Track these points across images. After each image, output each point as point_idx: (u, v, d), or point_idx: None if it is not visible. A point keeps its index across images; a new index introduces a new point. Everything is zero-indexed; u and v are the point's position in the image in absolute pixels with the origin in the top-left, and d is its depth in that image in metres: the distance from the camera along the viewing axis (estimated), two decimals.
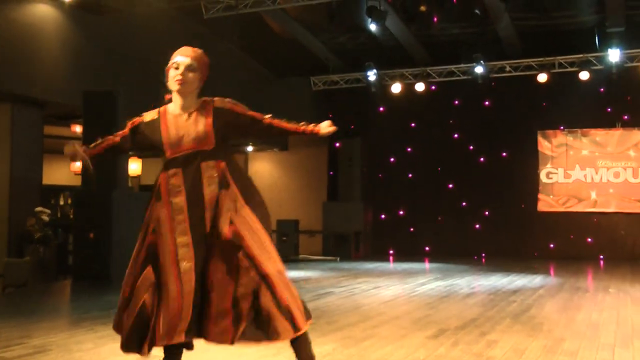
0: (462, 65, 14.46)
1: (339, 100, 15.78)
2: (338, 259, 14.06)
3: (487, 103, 15.19)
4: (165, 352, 3.78)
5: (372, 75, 14.55)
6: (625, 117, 14.61)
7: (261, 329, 3.61)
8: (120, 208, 9.95)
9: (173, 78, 3.81)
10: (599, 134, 14.96)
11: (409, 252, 15.28)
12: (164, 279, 3.68)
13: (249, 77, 15.09)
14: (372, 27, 12.92)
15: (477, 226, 15.38)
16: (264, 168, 17.11)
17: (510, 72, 14.37)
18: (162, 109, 3.92)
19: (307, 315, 3.74)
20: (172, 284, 3.65)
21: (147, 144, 3.97)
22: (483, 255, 15.03)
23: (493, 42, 14.15)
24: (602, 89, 14.38)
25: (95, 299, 7.80)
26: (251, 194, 3.94)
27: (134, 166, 16.27)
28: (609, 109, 14.64)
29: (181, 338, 3.62)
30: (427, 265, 13.17)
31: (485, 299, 7.99)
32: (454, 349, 4.96)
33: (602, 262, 13.98)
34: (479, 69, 14.04)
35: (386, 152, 15.75)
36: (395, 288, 9.00)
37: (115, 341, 4.96)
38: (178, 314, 3.60)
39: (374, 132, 15.70)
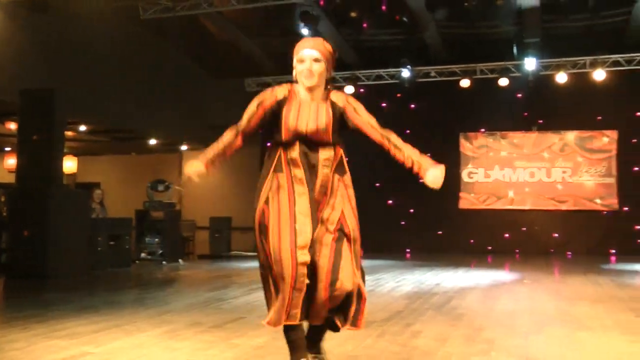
0: (390, 69, 14.61)
1: None
2: None
3: (412, 106, 15.40)
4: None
5: None
6: (540, 121, 15.02)
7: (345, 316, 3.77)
8: (56, 205, 9.70)
9: (301, 73, 3.72)
10: (516, 137, 15.34)
11: None
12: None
13: (185, 77, 14.93)
14: (305, 31, 12.94)
15: (403, 223, 15.58)
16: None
17: (435, 77, 14.59)
18: (291, 87, 3.83)
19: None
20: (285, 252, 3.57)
21: (270, 123, 3.88)
22: (408, 250, 15.24)
23: (420, 49, 14.36)
24: (519, 95, 14.75)
25: (29, 297, 7.60)
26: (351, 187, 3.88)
27: (70, 164, 15.92)
28: (526, 114, 15.03)
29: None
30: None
31: (409, 292, 8.10)
32: (380, 339, 5.03)
33: (518, 256, 14.33)
34: (405, 74, 14.21)
35: None
36: None
37: (50, 339, 4.89)
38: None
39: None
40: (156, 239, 12.38)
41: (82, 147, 16.52)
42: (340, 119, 3.76)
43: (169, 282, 9.56)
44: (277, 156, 3.81)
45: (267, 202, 3.72)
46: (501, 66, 14.38)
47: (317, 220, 3.67)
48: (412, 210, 15.46)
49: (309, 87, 3.72)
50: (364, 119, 3.80)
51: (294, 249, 3.54)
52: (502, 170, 15.33)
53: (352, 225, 3.80)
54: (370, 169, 15.45)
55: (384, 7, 13.18)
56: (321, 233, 3.65)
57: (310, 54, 3.70)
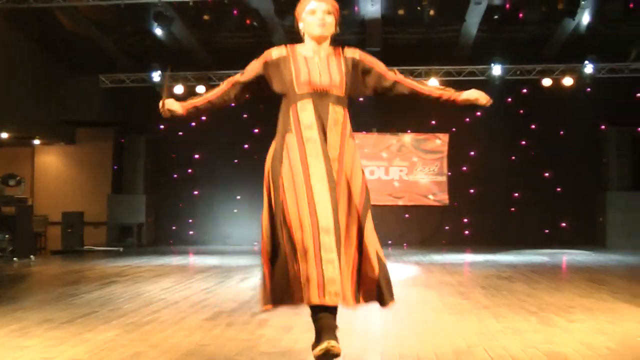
0: (240, 70, 14.60)
1: (126, 99, 15.38)
2: (121, 249, 13.73)
3: (261, 107, 15.49)
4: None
5: (156, 76, 14.33)
6: (380, 124, 15.55)
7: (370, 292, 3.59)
8: None
9: (313, 23, 3.59)
10: (358, 137, 15.77)
11: (190, 242, 15.28)
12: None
13: (39, 70, 14.22)
14: (158, 31, 12.76)
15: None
16: (50, 161, 16.26)
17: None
18: (290, 46, 3.69)
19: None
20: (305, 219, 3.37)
21: (269, 85, 3.72)
22: (255, 243, 15.36)
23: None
24: (361, 99, 15.19)
25: None
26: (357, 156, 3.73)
27: None
28: (367, 116, 15.51)
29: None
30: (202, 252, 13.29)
31: (257, 282, 8.22)
32: (229, 329, 5.10)
33: None
34: None
35: (169, 148, 15.59)
36: (175, 275, 9.01)
37: None
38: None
39: (158, 130, 15.49)
40: (6, 235, 11.75)
41: None
42: (354, 73, 3.70)
43: (19, 279, 9.13)
44: (288, 116, 3.64)
45: (276, 164, 3.58)
46: None
47: (335, 189, 3.50)
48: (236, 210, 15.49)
49: (318, 38, 3.64)
50: (382, 67, 3.80)
51: (316, 222, 3.36)
52: None
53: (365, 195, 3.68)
54: (221, 165, 15.46)
55: (235, 12, 13.25)
56: (343, 204, 3.55)
57: (321, 6, 3.62)
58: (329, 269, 3.31)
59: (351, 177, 3.62)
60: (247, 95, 3.92)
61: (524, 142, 15.23)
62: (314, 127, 3.54)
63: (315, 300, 3.32)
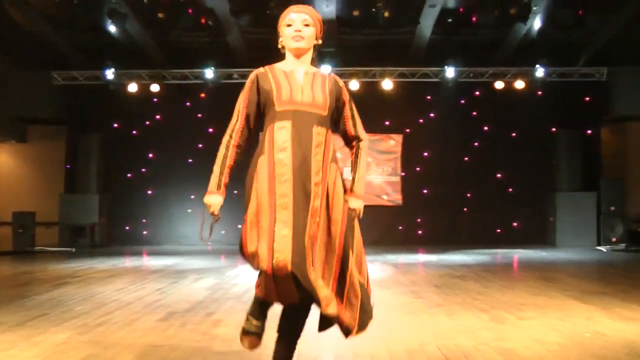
0: (195, 70, 14.51)
1: (79, 96, 15.12)
2: (74, 250, 13.49)
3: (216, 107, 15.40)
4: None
5: (110, 74, 14.12)
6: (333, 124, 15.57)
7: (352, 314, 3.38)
8: None
9: (289, 36, 3.42)
10: None
11: (145, 242, 15.11)
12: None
13: None
14: (112, 28, 12.59)
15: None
16: (1, 160, 15.91)
17: (237, 78, 14.66)
18: (268, 66, 3.50)
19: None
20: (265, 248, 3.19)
21: (258, 107, 3.45)
22: (209, 243, 15.25)
23: (224, 51, 14.41)
24: None
25: None
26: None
27: None
28: None
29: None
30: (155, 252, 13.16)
31: (211, 282, 8.17)
32: (182, 329, 5.07)
33: None
34: (209, 74, 14.19)
35: (123, 147, 15.37)
36: (128, 276, 8.89)
37: None
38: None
39: (112, 129, 15.27)
40: None
41: None
42: (335, 97, 3.50)
43: None
44: (264, 135, 3.41)
45: (248, 184, 3.39)
46: None
47: (304, 217, 3.26)
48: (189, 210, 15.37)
49: (295, 52, 3.46)
50: (350, 112, 3.61)
51: (271, 259, 3.18)
52: None
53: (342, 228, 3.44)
54: (175, 165, 15.32)
55: (190, 10, 13.14)
56: (322, 231, 3.36)
57: (299, 17, 3.44)
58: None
59: (332, 204, 3.42)
60: (252, 129, 3.55)
61: (476, 144, 15.41)
62: (288, 149, 3.31)
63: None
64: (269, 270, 3.18)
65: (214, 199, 3.48)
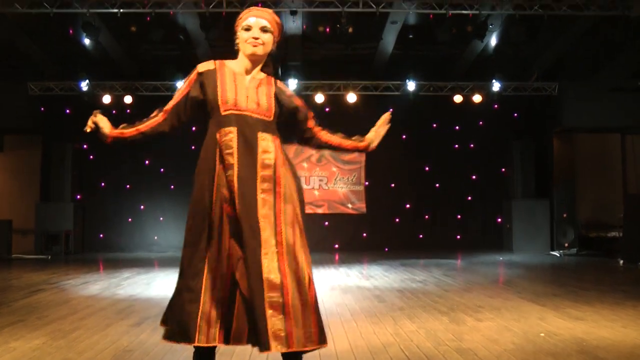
0: (166, 82, 14.43)
1: (54, 106, 14.95)
2: (49, 257, 13.29)
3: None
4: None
5: (84, 85, 13.98)
6: None
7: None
8: None
9: (246, 40, 3.19)
10: None
11: (118, 249, 14.94)
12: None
13: None
14: (87, 40, 12.46)
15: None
16: None
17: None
18: (217, 61, 3.27)
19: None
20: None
21: (198, 103, 3.24)
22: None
23: (193, 63, 14.33)
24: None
25: None
26: (296, 181, 3.33)
27: None
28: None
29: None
30: (129, 258, 13.05)
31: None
32: (155, 334, 5.01)
33: None
34: (179, 85, 14.08)
35: (98, 156, 15.21)
36: (102, 283, 8.79)
37: None
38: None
39: (86, 138, 15.07)
40: None
41: None
42: (280, 107, 3.31)
43: None
44: (209, 139, 3.23)
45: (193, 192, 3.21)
46: None
47: (253, 226, 3.08)
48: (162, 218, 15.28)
49: (252, 57, 3.25)
50: (300, 115, 3.43)
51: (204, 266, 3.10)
52: None
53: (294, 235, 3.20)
54: (138, 176, 15.21)
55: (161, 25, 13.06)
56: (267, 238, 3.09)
57: (258, 22, 3.22)
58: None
59: (282, 210, 3.19)
60: (182, 120, 3.36)
61: (436, 154, 15.54)
62: (234, 155, 3.14)
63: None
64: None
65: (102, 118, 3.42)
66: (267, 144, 3.20)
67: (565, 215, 14.43)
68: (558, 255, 13.60)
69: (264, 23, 3.24)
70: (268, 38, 3.26)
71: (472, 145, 15.56)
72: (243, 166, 3.13)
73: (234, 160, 3.13)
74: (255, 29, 3.22)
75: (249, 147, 3.15)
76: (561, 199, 14.58)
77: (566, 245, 14.11)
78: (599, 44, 13.28)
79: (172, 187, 14.99)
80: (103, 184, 15.25)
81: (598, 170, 15.40)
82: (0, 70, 14.34)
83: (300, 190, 3.34)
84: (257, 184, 3.14)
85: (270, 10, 3.33)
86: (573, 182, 15.19)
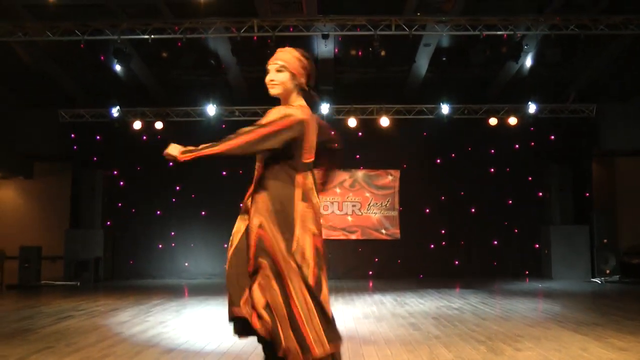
0: (197, 107, 14.59)
1: (85, 133, 15.19)
2: (78, 283, 13.41)
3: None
4: None
5: (115, 112, 14.20)
6: None
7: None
8: None
9: (267, 83, 3.51)
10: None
11: (149, 276, 15.01)
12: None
13: None
14: (118, 67, 12.68)
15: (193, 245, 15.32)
16: (8, 195, 15.94)
17: (239, 116, 14.73)
18: (306, 109, 3.52)
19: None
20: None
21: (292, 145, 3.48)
22: (208, 276, 15.19)
23: (224, 89, 14.53)
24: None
25: None
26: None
27: None
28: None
29: None
30: (160, 286, 13.10)
31: (214, 313, 8.10)
32: None
33: None
34: (211, 111, 14.24)
35: (126, 183, 15.38)
36: (132, 309, 8.82)
37: None
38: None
39: (116, 165, 15.29)
40: None
41: None
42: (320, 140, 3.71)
43: None
44: (297, 183, 3.56)
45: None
46: None
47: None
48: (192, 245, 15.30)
49: (281, 97, 3.55)
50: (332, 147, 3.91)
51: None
52: None
53: None
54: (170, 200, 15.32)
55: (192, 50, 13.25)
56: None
57: (273, 66, 3.52)
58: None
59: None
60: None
61: (472, 178, 15.40)
62: (315, 197, 3.61)
63: None
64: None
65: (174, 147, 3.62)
66: (313, 179, 3.61)
67: (605, 241, 14.17)
68: (599, 282, 13.33)
69: (279, 63, 3.48)
70: (283, 77, 3.48)
71: (508, 169, 15.39)
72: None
73: (317, 200, 3.61)
74: (272, 71, 3.50)
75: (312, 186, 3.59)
76: (601, 224, 14.32)
77: (607, 272, 13.83)
78: (638, 63, 13.12)
79: (204, 213, 15.06)
80: (133, 210, 15.37)
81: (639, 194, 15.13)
82: (32, 98, 14.67)
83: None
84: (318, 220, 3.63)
85: (291, 49, 3.56)
86: (613, 207, 14.93)
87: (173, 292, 11.63)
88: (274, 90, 3.50)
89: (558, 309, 8.73)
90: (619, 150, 14.72)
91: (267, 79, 3.50)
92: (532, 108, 14.12)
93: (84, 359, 5.15)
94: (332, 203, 15.40)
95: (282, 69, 3.48)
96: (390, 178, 15.52)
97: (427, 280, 13.90)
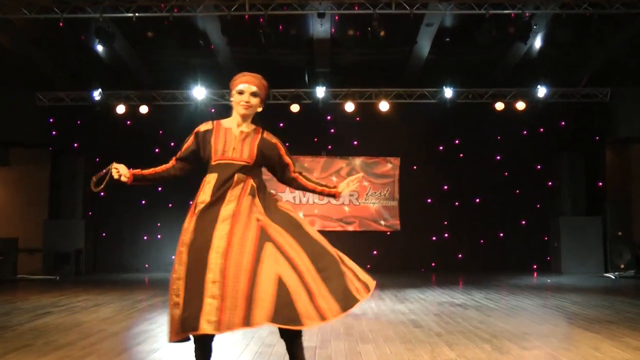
0: (184, 90, 14.56)
1: (65, 118, 15.15)
2: (58, 278, 13.40)
3: None
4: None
5: (97, 95, 14.15)
6: (330, 147, 15.63)
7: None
8: None
9: (238, 102, 4.06)
10: (307, 161, 15.83)
11: (133, 270, 15.03)
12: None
13: None
14: (100, 47, 12.62)
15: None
16: None
17: (229, 100, 14.64)
18: (215, 122, 4.17)
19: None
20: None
21: (198, 154, 4.17)
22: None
23: (214, 71, 14.46)
24: (310, 121, 15.24)
25: None
26: (274, 210, 4.04)
27: None
28: (316, 139, 15.57)
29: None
30: (146, 280, 13.09)
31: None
32: None
33: None
34: (200, 95, 14.21)
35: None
36: (115, 305, 8.82)
37: None
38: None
39: (98, 151, 15.25)
40: None
41: None
42: (263, 155, 4.12)
43: None
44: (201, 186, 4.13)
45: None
46: (293, 92, 14.77)
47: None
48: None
49: (242, 116, 4.10)
50: (282, 161, 4.25)
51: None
52: (292, 193, 15.72)
53: None
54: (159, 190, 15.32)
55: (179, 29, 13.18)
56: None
57: (249, 88, 4.07)
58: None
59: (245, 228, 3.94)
60: (189, 167, 4.37)
61: (477, 167, 15.42)
62: (207, 194, 4.07)
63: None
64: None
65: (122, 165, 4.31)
66: (242, 178, 4.03)
67: (619, 233, 14.21)
68: (613, 277, 13.38)
69: (254, 89, 4.09)
70: (256, 102, 4.12)
71: (515, 157, 15.40)
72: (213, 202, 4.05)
73: (208, 198, 4.08)
74: (247, 93, 4.08)
75: (224, 181, 4.01)
76: (615, 216, 14.36)
77: (622, 266, 13.89)
78: None
79: (191, 202, 15.03)
80: (117, 199, 15.33)
81: None
82: (7, 80, 14.56)
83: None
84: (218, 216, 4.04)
85: (259, 76, 4.17)
86: (628, 197, 14.97)
87: (159, 286, 11.63)
88: (245, 112, 4.08)
89: (568, 305, 8.75)
90: (634, 137, 14.74)
91: (243, 100, 4.06)
92: (541, 92, 14.12)
93: (64, 357, 5.14)
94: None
95: (256, 94, 4.10)
96: (390, 166, 15.54)
97: (429, 275, 13.94)
